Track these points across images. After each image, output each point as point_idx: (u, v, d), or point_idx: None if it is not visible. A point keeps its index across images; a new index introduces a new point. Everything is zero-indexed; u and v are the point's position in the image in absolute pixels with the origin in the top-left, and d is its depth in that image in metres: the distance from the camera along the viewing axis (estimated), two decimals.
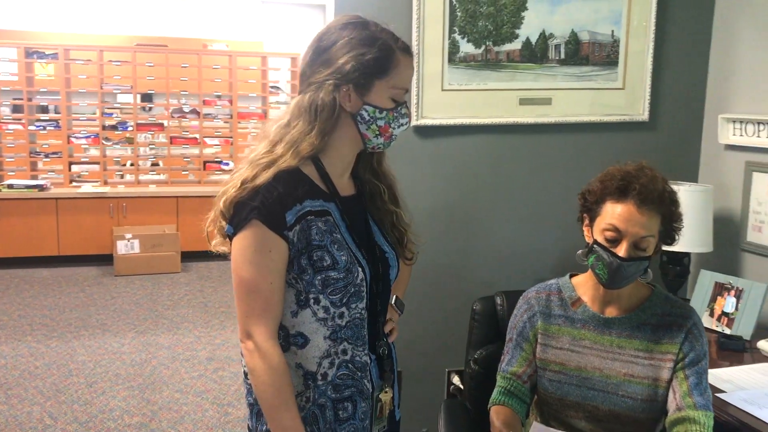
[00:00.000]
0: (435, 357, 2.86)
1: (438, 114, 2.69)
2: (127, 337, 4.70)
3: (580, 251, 1.80)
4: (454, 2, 2.63)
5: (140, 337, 4.70)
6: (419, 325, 2.76)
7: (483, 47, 2.70)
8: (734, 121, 2.81)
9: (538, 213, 2.88)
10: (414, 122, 2.64)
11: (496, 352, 2.15)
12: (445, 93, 2.68)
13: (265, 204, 1.41)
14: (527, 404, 1.84)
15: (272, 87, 7.09)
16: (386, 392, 1.58)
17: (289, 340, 1.49)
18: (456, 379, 2.90)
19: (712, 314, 2.62)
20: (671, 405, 1.69)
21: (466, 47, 2.68)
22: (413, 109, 2.64)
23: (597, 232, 1.73)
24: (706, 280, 2.68)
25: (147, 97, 6.92)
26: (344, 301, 1.47)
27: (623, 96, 2.89)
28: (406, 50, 1.50)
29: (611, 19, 2.82)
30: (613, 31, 2.83)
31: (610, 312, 1.79)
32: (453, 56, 2.67)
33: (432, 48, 2.64)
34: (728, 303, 2.58)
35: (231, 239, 1.47)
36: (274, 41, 9.95)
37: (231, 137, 6.88)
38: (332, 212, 1.49)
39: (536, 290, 1.93)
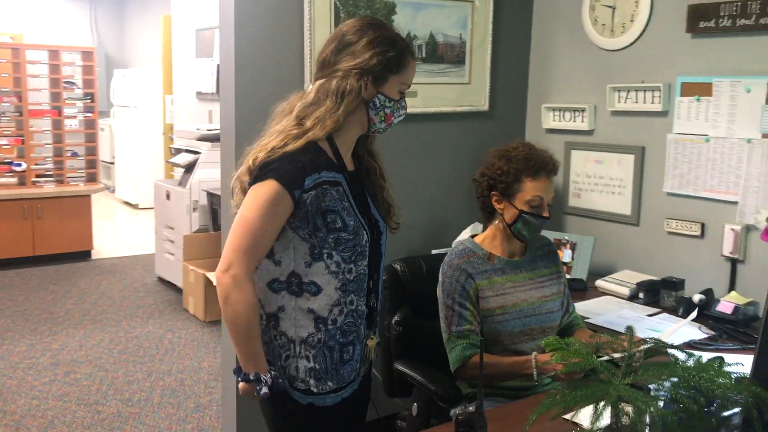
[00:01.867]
0: None
1: None
2: None
3: (499, 223, 2.23)
4: (338, 5, 2.95)
5: None
6: None
7: None
8: (554, 109, 3.48)
9: (409, 192, 3.30)
10: None
11: (411, 314, 2.48)
12: None
13: (285, 167, 1.65)
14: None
15: (66, 82, 6.72)
16: (372, 339, 1.85)
17: (302, 287, 1.72)
18: None
19: None
20: (564, 312, 2.33)
21: None
22: None
23: (520, 203, 2.16)
24: None
25: None
26: (353, 258, 1.73)
27: (470, 89, 3.42)
28: (414, 53, 1.81)
29: (459, 24, 3.33)
30: (461, 35, 3.34)
31: (515, 256, 2.29)
32: None
33: (321, 46, 2.93)
34: (566, 254, 3.22)
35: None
36: (34, 34, 9.30)
37: (22, 136, 6.42)
38: (342, 183, 1.73)
39: (456, 257, 2.25)
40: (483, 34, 3.39)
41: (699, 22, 2.85)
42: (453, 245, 2.37)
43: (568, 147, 3.44)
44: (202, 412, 3.64)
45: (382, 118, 1.76)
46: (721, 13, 2.77)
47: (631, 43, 3.13)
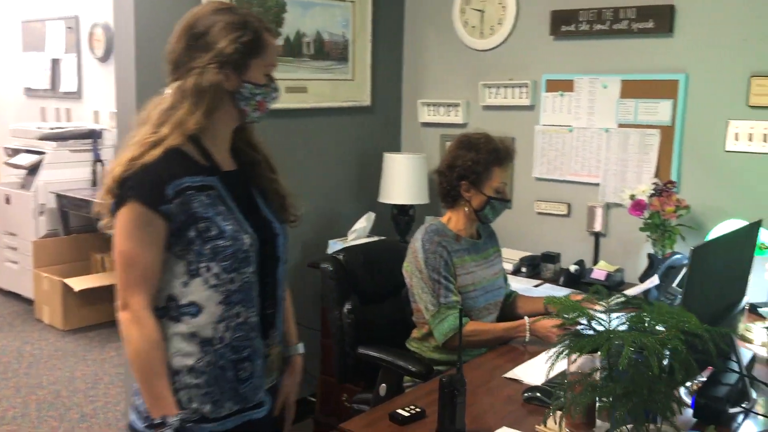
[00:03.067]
0: None
1: None
2: None
3: (467, 209, 2.40)
4: (234, 2, 2.99)
5: None
6: None
7: None
8: (429, 105, 3.75)
9: (299, 186, 3.40)
10: None
11: (359, 302, 2.59)
12: None
13: (143, 182, 1.50)
14: None
15: None
16: (274, 347, 1.70)
17: (179, 310, 1.56)
18: None
19: None
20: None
21: None
22: None
23: (489, 190, 2.36)
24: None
25: None
26: (234, 267, 1.57)
27: (353, 86, 3.59)
28: (271, 30, 1.63)
29: (342, 23, 3.48)
30: (344, 33, 3.49)
31: (473, 237, 2.49)
32: None
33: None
34: None
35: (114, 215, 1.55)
36: None
37: None
38: (216, 186, 1.58)
39: (435, 234, 2.37)
40: (363, 33, 3.57)
41: (561, 26, 3.23)
42: (425, 226, 2.46)
43: (443, 139, 3.72)
44: (89, 421, 3.49)
45: (255, 107, 1.62)
46: (580, 19, 3.16)
47: (500, 44, 3.46)
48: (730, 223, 2.60)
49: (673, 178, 2.99)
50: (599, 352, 1.46)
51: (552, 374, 1.99)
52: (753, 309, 2.67)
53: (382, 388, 2.36)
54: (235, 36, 1.55)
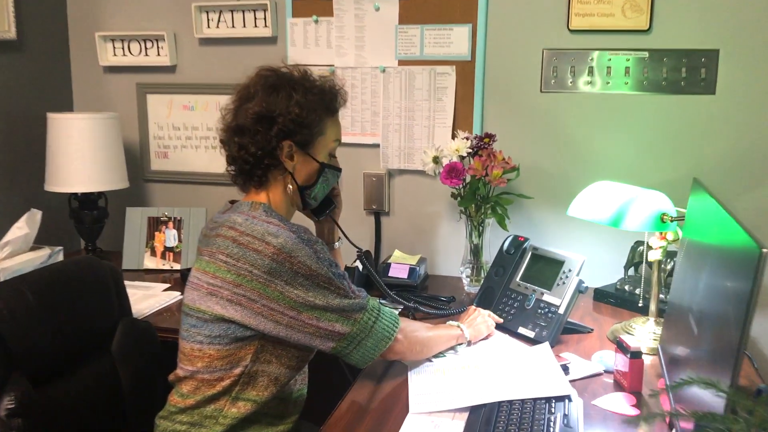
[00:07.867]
0: None
1: None
2: None
3: (290, 186, 1.49)
4: None
5: None
6: None
7: None
8: (114, 39, 2.51)
9: None
10: None
11: (30, 384, 1.37)
12: None
13: None
14: None
15: None
16: None
17: None
18: None
19: (154, 253, 2.34)
20: None
21: None
22: None
23: (322, 154, 1.51)
24: (136, 218, 2.37)
25: None
26: None
27: None
28: None
29: None
30: None
31: None
32: None
33: None
34: (169, 237, 2.35)
35: None
36: None
37: None
38: None
39: (293, 228, 1.40)
40: None
41: None
42: (255, 214, 1.42)
43: (141, 90, 2.53)
44: None
45: None
46: None
47: None
48: (600, 186, 1.88)
49: (477, 130, 2.24)
50: None
51: None
52: (600, 296, 2.06)
53: None
54: None
